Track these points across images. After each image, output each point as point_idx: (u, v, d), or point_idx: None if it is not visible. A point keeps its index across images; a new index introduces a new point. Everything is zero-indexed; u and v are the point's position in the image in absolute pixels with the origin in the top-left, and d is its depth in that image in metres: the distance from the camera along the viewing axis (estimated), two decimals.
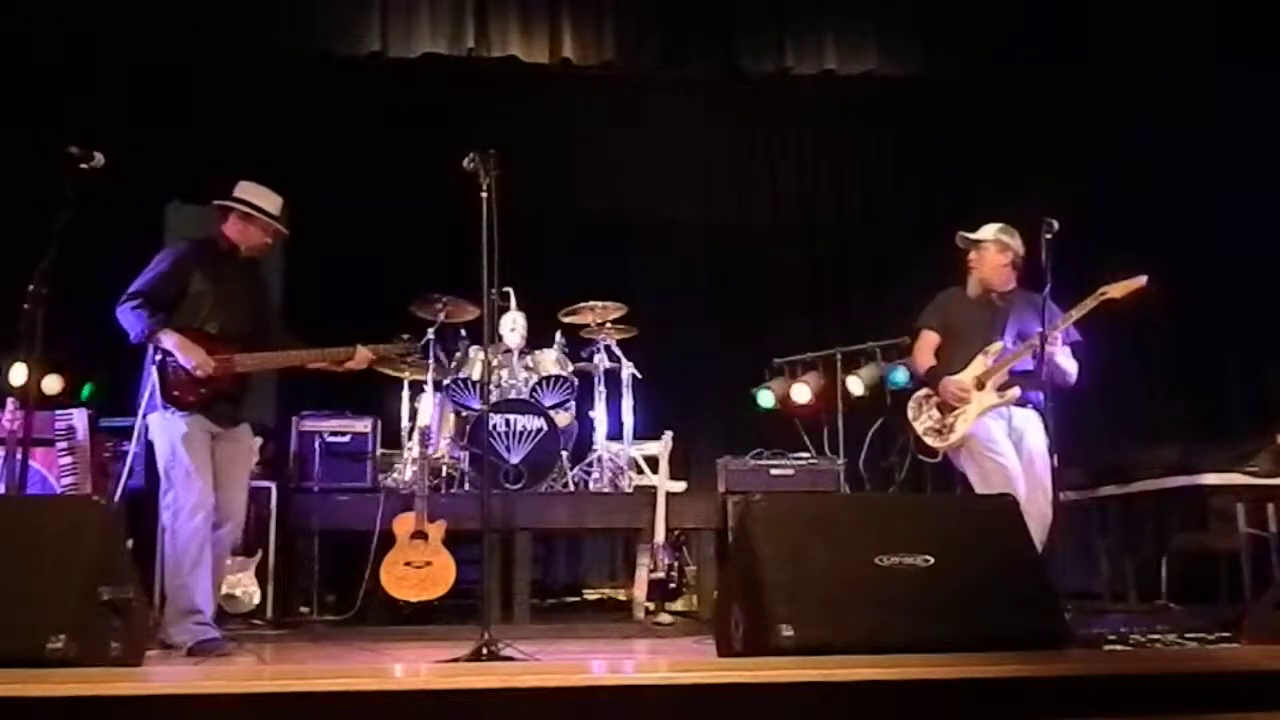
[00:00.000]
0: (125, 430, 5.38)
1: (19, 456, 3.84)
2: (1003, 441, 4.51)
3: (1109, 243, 6.31)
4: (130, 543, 4.10)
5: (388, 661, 3.78)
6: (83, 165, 3.73)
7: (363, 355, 4.48)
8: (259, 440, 5.05)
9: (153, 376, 4.12)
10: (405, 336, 4.69)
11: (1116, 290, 4.34)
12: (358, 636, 4.68)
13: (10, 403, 4.52)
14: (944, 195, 7.65)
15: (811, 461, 6.02)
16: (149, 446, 4.31)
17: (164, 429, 4.13)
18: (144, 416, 4.18)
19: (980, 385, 4.55)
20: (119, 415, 5.45)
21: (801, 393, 6.95)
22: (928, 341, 4.80)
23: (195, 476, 4.10)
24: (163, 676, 2.83)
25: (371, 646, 4.31)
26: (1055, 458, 4.30)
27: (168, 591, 4.12)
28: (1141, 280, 4.34)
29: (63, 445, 4.98)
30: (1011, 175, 7.20)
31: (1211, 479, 5.21)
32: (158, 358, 4.12)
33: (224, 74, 7.05)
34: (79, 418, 5.04)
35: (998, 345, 4.59)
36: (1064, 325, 4.40)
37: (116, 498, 4.41)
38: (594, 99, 7.65)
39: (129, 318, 4.12)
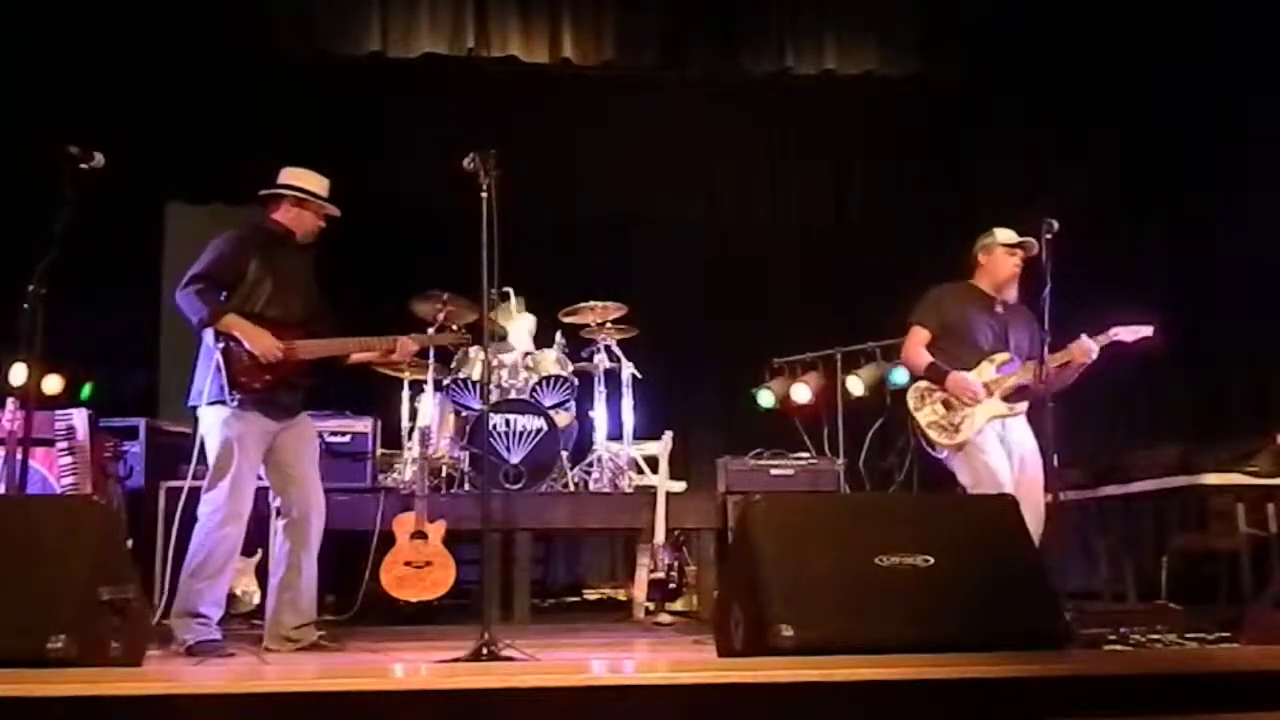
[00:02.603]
0: (125, 430, 5.41)
1: (19, 456, 3.83)
2: (994, 443, 4.54)
3: (1109, 244, 6.32)
4: (130, 543, 4.10)
5: (388, 661, 3.78)
6: (83, 165, 3.72)
7: (405, 347, 4.40)
8: None
9: (216, 363, 3.99)
10: (455, 328, 4.67)
11: (1126, 335, 4.52)
12: (358, 636, 4.68)
13: (10, 403, 4.50)
14: (943, 195, 7.65)
15: (811, 461, 6.02)
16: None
17: (223, 426, 4.01)
18: (206, 405, 4.02)
19: (989, 392, 4.56)
20: (119, 415, 5.47)
21: (801, 393, 6.95)
22: (918, 337, 4.75)
23: (246, 483, 4.03)
24: (163, 676, 2.83)
25: (371, 646, 4.31)
26: (1055, 457, 4.29)
27: (179, 586, 4.04)
28: (1148, 331, 4.53)
29: (63, 445, 4.97)
30: (1011, 175, 7.20)
31: (1211, 479, 5.21)
32: (221, 344, 4.00)
33: (224, 74, 7.05)
34: (79, 418, 5.03)
35: (1004, 355, 4.60)
36: (1058, 364, 4.44)
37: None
38: (594, 99, 7.65)
39: (191, 302, 4.01)
